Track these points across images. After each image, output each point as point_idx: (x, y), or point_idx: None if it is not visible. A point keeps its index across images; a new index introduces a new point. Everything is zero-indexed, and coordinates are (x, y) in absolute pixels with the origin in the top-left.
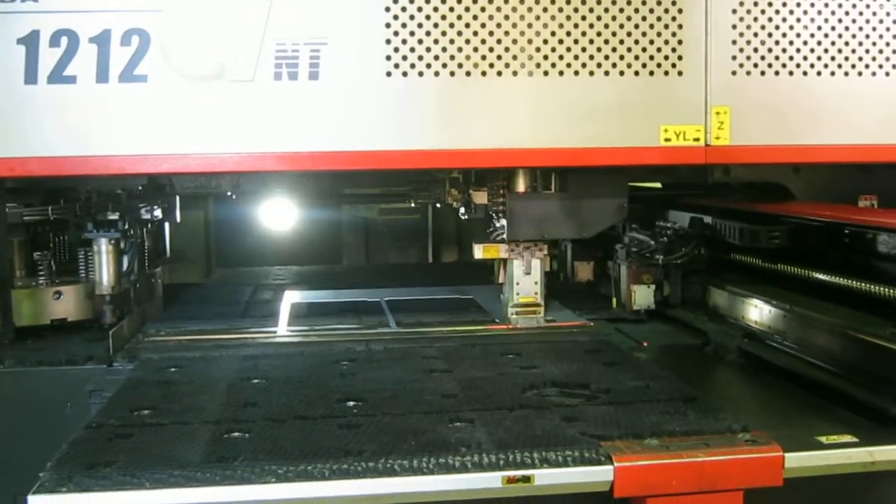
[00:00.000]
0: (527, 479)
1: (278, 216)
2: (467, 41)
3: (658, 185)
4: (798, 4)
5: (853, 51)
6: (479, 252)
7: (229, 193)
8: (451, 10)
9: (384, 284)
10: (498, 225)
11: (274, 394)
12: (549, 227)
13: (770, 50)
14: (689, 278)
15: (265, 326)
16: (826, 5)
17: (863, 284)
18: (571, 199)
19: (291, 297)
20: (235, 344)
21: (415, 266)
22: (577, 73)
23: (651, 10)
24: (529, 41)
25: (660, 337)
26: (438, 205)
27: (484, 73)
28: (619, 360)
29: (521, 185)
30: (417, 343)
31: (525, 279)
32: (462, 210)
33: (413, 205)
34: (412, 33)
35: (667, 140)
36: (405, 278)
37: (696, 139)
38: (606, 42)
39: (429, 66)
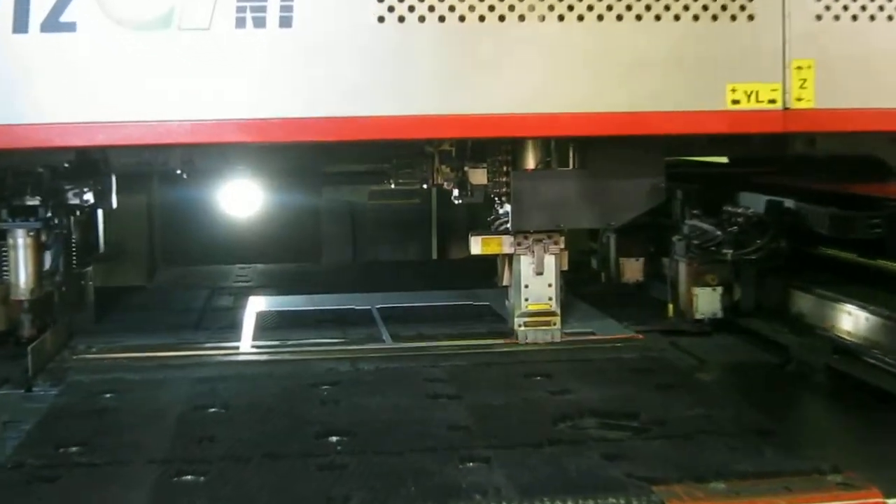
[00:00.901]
0: None
1: (241, 201)
2: None
3: (723, 159)
4: None
5: None
6: (476, 246)
7: (179, 172)
8: None
9: (375, 288)
10: (501, 211)
11: (236, 426)
12: (565, 214)
13: None
14: (766, 279)
15: (224, 341)
16: None
17: None
18: (593, 179)
19: (257, 305)
20: (187, 363)
21: (415, 264)
22: (620, 17)
23: None
24: None
25: (728, 353)
26: (424, 186)
27: (502, 18)
28: (675, 383)
29: (529, 161)
30: (418, 361)
31: (536, 281)
32: (456, 193)
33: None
34: None
35: (734, 102)
36: (402, 280)
37: (772, 101)
38: None
39: (432, 8)
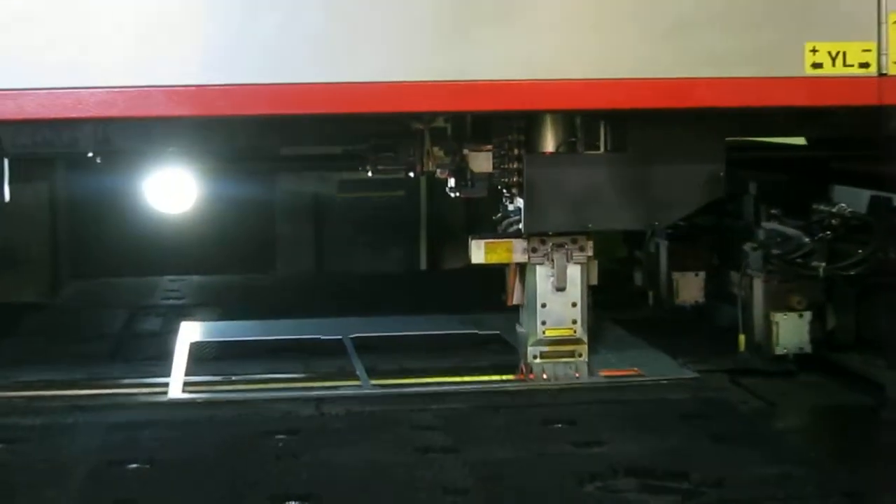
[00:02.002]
0: None
1: (171, 194)
2: None
3: (801, 140)
4: None
5: None
6: (478, 253)
7: (91, 156)
8: None
9: (347, 310)
10: (510, 208)
11: (163, 488)
12: (595, 212)
13: None
14: (871, 299)
15: (149, 376)
16: None
17: None
18: (632, 165)
19: (192, 331)
20: (101, 405)
21: (398, 278)
22: None
23: None
24: None
25: (808, 394)
26: (411, 174)
27: None
28: (737, 433)
29: (547, 141)
30: (402, 404)
31: (556, 299)
32: (452, 183)
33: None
34: None
35: (815, 66)
36: (382, 299)
37: (864, 65)
38: None
39: None
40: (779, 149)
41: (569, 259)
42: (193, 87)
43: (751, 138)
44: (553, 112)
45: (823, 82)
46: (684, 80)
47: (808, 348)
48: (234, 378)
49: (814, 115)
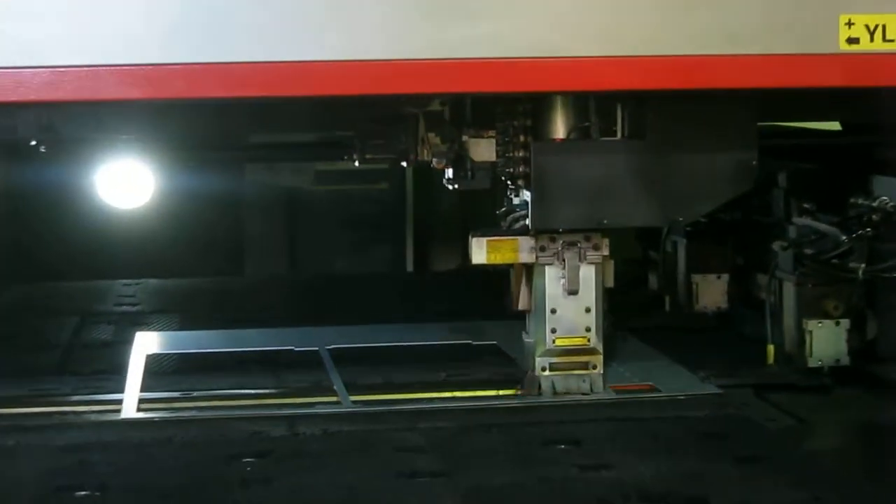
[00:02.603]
0: None
1: (125, 187)
2: None
3: (836, 125)
4: None
5: None
6: (479, 252)
7: (34, 144)
8: None
9: (325, 317)
10: (516, 201)
11: None
12: (611, 206)
13: None
14: None
15: (100, 392)
16: None
17: None
18: (653, 153)
19: (148, 341)
20: (45, 425)
21: (383, 280)
22: None
23: None
24: None
25: (843, 410)
26: (404, 163)
27: None
28: (762, 453)
29: (558, 126)
30: (386, 423)
31: (568, 304)
32: (449, 174)
33: (357, 164)
34: None
35: (851, 42)
36: (365, 304)
37: None
38: None
39: None
40: (811, 135)
41: (582, 259)
42: (149, 67)
43: (779, 123)
44: (562, 94)
45: (860, 60)
46: (703, 57)
47: (845, 360)
48: (195, 394)
49: (850, 96)
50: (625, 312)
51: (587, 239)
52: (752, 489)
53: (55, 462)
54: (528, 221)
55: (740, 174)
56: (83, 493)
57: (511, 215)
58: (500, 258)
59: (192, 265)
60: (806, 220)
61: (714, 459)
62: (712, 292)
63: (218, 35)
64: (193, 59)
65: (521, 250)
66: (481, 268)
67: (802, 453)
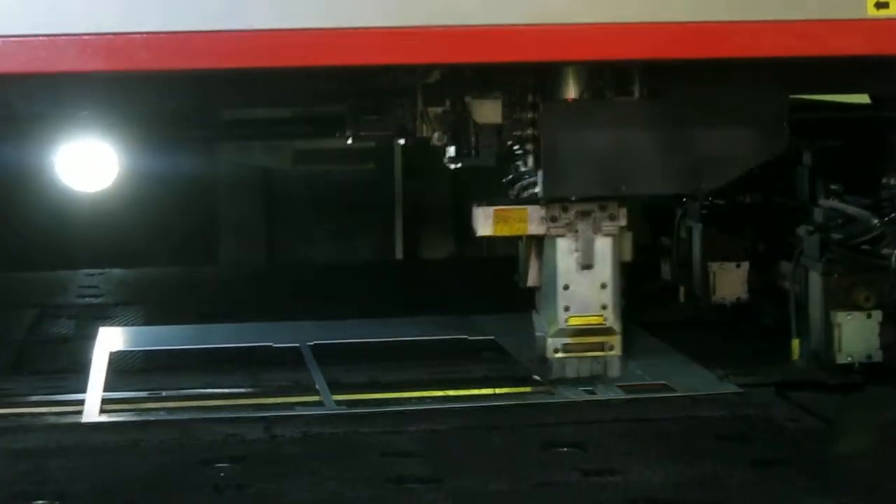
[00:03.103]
0: None
1: (86, 169)
2: None
3: (865, 98)
4: None
5: None
6: (484, 223)
7: None
8: None
9: (307, 310)
10: (524, 169)
11: None
12: (628, 173)
13: None
14: None
15: (60, 392)
16: None
17: None
18: (674, 114)
19: (111, 338)
20: (1, 427)
21: (369, 270)
22: None
23: None
24: None
25: (875, 410)
26: (402, 140)
27: None
28: (783, 456)
29: (569, 86)
30: (372, 425)
31: (582, 279)
32: (451, 151)
33: (350, 141)
34: None
35: (880, 6)
36: (349, 295)
37: None
38: None
39: None
40: (838, 109)
41: (596, 230)
42: (111, 36)
43: (804, 96)
44: (569, 64)
45: (890, 26)
46: (720, 24)
47: (877, 356)
48: (163, 394)
49: (879, 66)
50: (635, 305)
51: (602, 208)
52: (771, 497)
53: (11, 468)
54: (537, 189)
55: (770, 136)
56: (41, 501)
57: (519, 183)
58: (507, 230)
59: (160, 254)
60: (833, 203)
61: (730, 464)
62: (731, 282)
63: (186, 0)
64: (159, 27)
65: (530, 221)
66: (477, 254)
67: (828, 457)
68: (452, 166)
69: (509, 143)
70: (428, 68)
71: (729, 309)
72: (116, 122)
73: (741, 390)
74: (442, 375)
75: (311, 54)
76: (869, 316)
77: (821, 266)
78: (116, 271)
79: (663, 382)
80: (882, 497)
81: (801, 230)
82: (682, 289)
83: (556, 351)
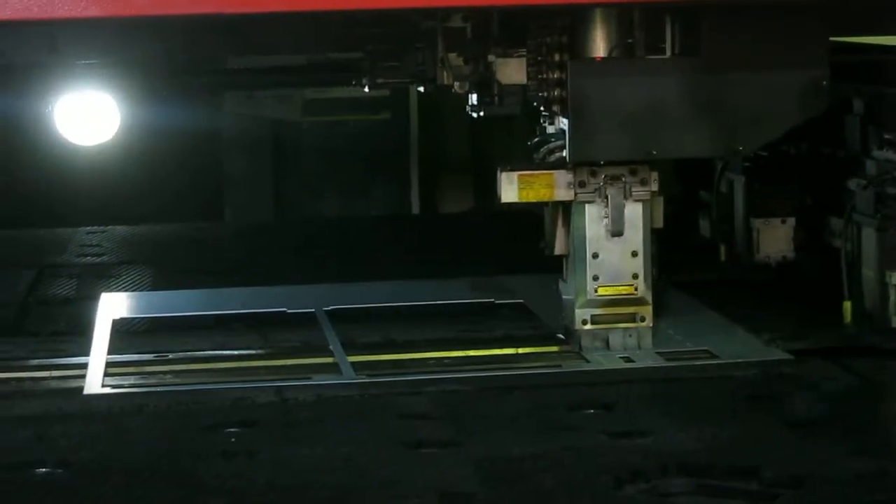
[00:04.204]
0: None
1: (86, 122)
2: None
3: None
4: None
5: None
6: (510, 189)
7: None
8: None
9: (319, 269)
10: (550, 130)
11: (80, 498)
12: (660, 135)
13: None
14: None
15: (62, 355)
16: None
17: None
18: (708, 73)
19: (115, 303)
20: (0, 392)
21: (385, 225)
22: None
23: None
24: None
25: None
26: (422, 88)
27: None
28: (821, 416)
29: (598, 43)
30: (389, 387)
31: (611, 247)
32: (473, 99)
33: (368, 89)
34: None
35: None
36: (365, 253)
37: None
38: None
39: None
40: (891, 52)
41: (627, 196)
42: None
43: (852, 38)
44: (602, 7)
45: None
46: None
47: None
48: (170, 356)
49: None
50: (672, 264)
51: (633, 172)
52: (808, 459)
53: (10, 435)
54: (564, 153)
55: (809, 95)
56: (43, 469)
57: (545, 146)
58: (533, 195)
59: (164, 210)
60: (888, 153)
61: (765, 425)
62: (776, 239)
63: None
64: None
65: (557, 186)
66: (513, 209)
67: (867, 417)
68: (475, 115)
69: (535, 103)
70: (448, 11)
71: (774, 268)
72: (117, 72)
73: (790, 357)
74: (461, 334)
75: None
76: None
77: (875, 222)
78: (119, 229)
79: (705, 349)
80: None
81: (853, 183)
82: (722, 247)
83: (584, 322)
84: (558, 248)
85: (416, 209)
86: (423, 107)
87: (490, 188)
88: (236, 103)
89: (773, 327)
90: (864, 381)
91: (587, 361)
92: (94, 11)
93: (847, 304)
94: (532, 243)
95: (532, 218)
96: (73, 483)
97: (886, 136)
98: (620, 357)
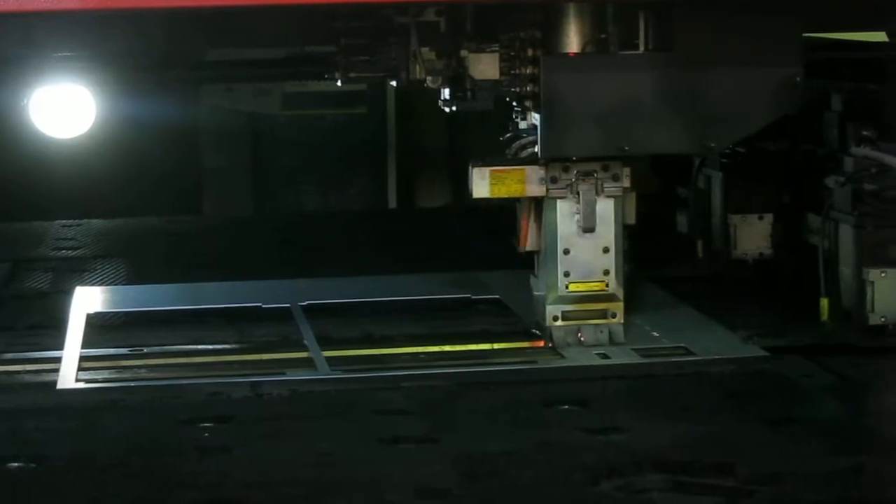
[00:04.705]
0: None
1: (62, 114)
2: None
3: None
4: None
5: None
6: (481, 184)
7: None
8: None
9: (296, 263)
10: (523, 126)
11: (55, 492)
12: (632, 131)
13: None
14: None
15: (36, 349)
16: None
17: None
18: (681, 69)
19: (89, 296)
20: None
21: (362, 218)
22: None
23: None
24: None
25: None
26: (394, 82)
27: None
28: (800, 415)
29: (571, 38)
30: (366, 382)
31: (583, 243)
32: (446, 93)
33: (340, 83)
34: None
35: None
36: (342, 247)
37: None
38: None
39: None
40: (870, 48)
41: (599, 191)
42: None
43: (831, 35)
44: (574, 0)
45: None
46: None
47: None
48: (145, 351)
49: None
50: (648, 260)
51: (605, 169)
52: (784, 456)
53: None
54: (537, 149)
55: (783, 92)
56: (17, 464)
57: (517, 142)
58: (504, 191)
59: (141, 203)
60: (866, 150)
61: (741, 422)
62: (753, 236)
63: None
64: None
65: (529, 182)
66: (485, 204)
67: (844, 414)
68: (447, 109)
69: (507, 98)
70: (421, 6)
71: (751, 265)
72: (93, 64)
73: (767, 354)
74: (437, 330)
75: None
76: None
77: (853, 219)
78: (95, 222)
79: (682, 345)
80: None
81: (831, 180)
82: (699, 243)
83: (555, 318)
84: (530, 245)
85: (393, 204)
86: (400, 102)
87: (467, 183)
88: (214, 96)
89: (750, 324)
90: (841, 379)
91: (563, 357)
92: (69, 4)
93: (824, 301)
94: (511, 237)
95: (510, 213)
96: (46, 477)
97: (864, 133)
98: (596, 353)
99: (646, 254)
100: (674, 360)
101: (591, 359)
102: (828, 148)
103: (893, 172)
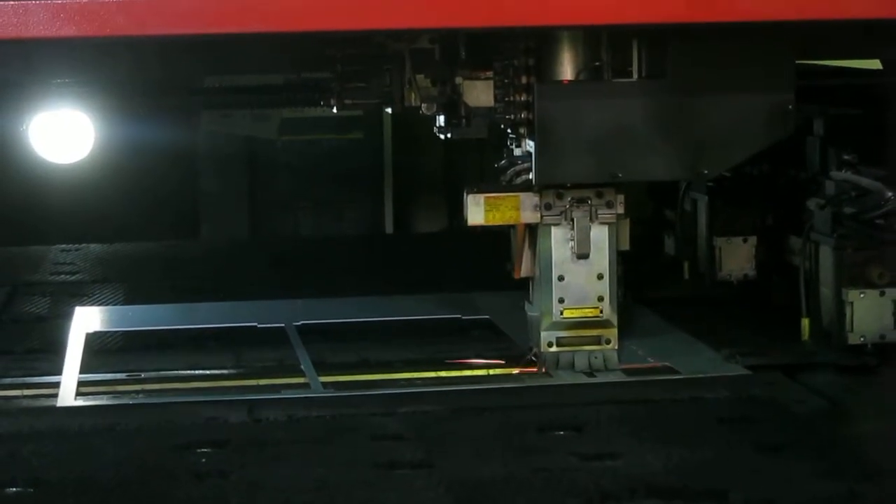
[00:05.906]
0: None
1: (61, 139)
2: None
3: (877, 64)
4: None
5: None
6: (476, 211)
7: None
8: None
9: (292, 286)
10: (517, 153)
11: None
12: (626, 158)
13: None
14: None
15: (33, 374)
16: None
17: None
18: (674, 96)
19: (88, 318)
20: None
21: (359, 243)
22: None
23: None
24: None
25: (890, 391)
26: (389, 109)
27: None
28: (789, 438)
29: (564, 66)
30: (361, 407)
31: (577, 270)
32: (441, 120)
33: (336, 110)
34: None
35: None
36: (337, 271)
37: None
38: None
39: None
40: (850, 75)
41: (593, 218)
42: (85, 0)
43: (813, 62)
44: (569, 29)
45: None
46: None
47: (892, 336)
48: (142, 376)
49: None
50: (636, 281)
51: (599, 195)
52: (777, 481)
53: None
54: (531, 175)
55: (775, 119)
56: (14, 489)
57: (512, 169)
58: (499, 218)
59: (139, 228)
60: (846, 174)
61: (734, 447)
62: (738, 258)
63: None
64: None
65: (523, 208)
66: (474, 229)
67: (836, 439)
68: (442, 136)
69: (502, 125)
70: (415, 34)
71: (735, 286)
72: (92, 90)
73: (749, 372)
74: (432, 355)
75: (298, 18)
76: (883, 294)
77: (832, 241)
78: (93, 247)
79: (667, 364)
80: (893, 481)
81: (812, 203)
82: (686, 264)
83: (549, 344)
84: (524, 271)
85: (389, 228)
86: (396, 127)
87: (463, 208)
88: (212, 122)
89: (733, 343)
90: (833, 403)
91: (556, 383)
92: (68, 31)
93: (805, 322)
94: (505, 263)
95: (507, 238)
96: (44, 502)
97: (845, 157)
98: (583, 372)
99: (635, 275)
100: (659, 378)
101: (577, 378)
102: (809, 172)
103: (872, 196)
